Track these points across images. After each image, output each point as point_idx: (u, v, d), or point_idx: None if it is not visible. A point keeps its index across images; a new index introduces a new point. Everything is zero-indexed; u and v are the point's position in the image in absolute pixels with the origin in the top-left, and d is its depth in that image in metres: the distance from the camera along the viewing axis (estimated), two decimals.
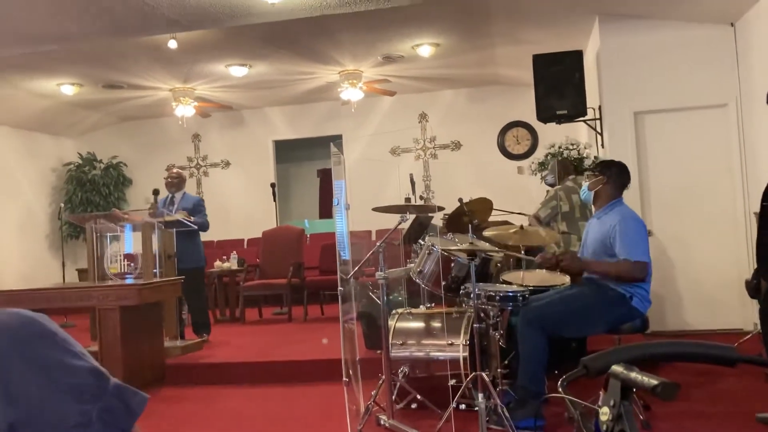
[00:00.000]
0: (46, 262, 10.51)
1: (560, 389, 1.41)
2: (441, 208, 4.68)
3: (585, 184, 4.12)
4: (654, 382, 1.15)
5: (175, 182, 6.78)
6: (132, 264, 6.36)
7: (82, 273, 10.26)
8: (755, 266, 4.54)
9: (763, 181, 3.85)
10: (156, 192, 6.80)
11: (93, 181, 10.85)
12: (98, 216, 6.34)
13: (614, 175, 4.01)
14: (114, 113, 10.56)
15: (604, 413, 1.23)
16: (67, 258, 10.11)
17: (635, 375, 1.20)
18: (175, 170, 7.09)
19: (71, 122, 10.57)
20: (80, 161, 10.96)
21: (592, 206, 4.33)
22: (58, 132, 10.91)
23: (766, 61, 5.37)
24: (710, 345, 1.40)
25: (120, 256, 6.43)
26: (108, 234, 6.33)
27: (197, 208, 6.67)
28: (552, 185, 6.08)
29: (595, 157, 6.48)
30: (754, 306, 5.68)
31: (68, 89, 8.58)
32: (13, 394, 0.73)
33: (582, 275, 4.08)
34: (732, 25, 6.03)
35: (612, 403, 1.22)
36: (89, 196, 10.75)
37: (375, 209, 4.25)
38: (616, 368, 1.24)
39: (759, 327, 3.91)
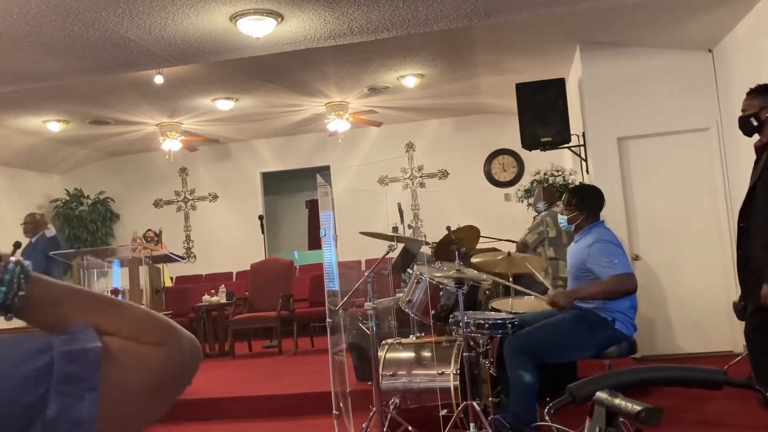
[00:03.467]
0: None
1: (547, 417, 1.40)
2: (427, 243, 4.70)
3: (562, 217, 4.13)
4: (637, 407, 1.15)
5: (30, 228, 7.08)
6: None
7: None
8: None
9: None
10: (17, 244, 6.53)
11: (80, 218, 10.80)
12: (85, 252, 6.31)
13: (591, 208, 4.03)
14: (101, 149, 10.56)
15: None
16: None
17: (619, 401, 1.20)
18: (28, 215, 7.44)
19: (58, 159, 10.55)
20: (67, 197, 10.92)
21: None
22: (45, 169, 10.89)
23: (744, 85, 5.43)
24: (696, 368, 1.40)
25: (107, 292, 6.38)
26: (95, 270, 6.29)
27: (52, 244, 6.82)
28: (542, 212, 6.11)
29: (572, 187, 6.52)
30: (742, 328, 5.69)
31: (54, 126, 8.58)
32: None
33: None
34: (710, 51, 6.14)
35: (597, 429, 1.22)
36: (77, 232, 10.69)
37: (362, 233, 4.26)
38: (601, 395, 1.24)
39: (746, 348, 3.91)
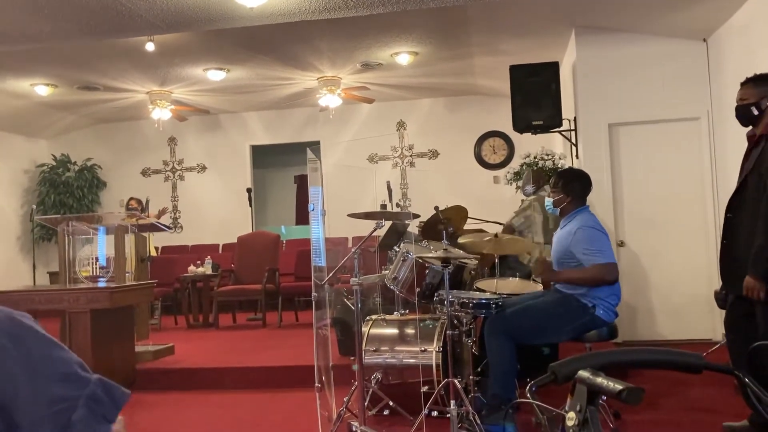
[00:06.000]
0: (16, 264, 10.34)
1: (528, 395, 1.42)
2: (416, 216, 4.70)
3: (549, 200, 4.13)
4: (619, 386, 1.17)
5: None
6: (104, 267, 6.29)
7: (53, 276, 10.12)
8: None
9: None
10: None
11: (67, 183, 10.71)
12: (71, 218, 6.26)
13: (576, 191, 4.03)
14: (89, 115, 10.45)
15: (571, 418, 1.24)
16: (39, 260, 9.98)
17: (601, 380, 1.22)
18: None
19: (45, 123, 10.43)
20: (54, 163, 10.82)
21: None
22: (32, 133, 10.77)
23: (737, 76, 5.46)
24: (677, 352, 1.42)
25: (92, 258, 6.35)
26: (80, 236, 6.25)
27: None
28: (529, 195, 6.12)
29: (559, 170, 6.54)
30: (722, 316, 5.76)
31: (42, 90, 8.47)
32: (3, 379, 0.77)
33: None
34: (704, 40, 6.14)
35: (578, 408, 1.23)
36: (62, 198, 10.61)
37: (350, 215, 4.26)
38: (583, 373, 1.25)
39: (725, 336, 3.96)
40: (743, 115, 3.54)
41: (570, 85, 6.76)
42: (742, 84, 3.58)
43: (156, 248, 9.92)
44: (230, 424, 4.47)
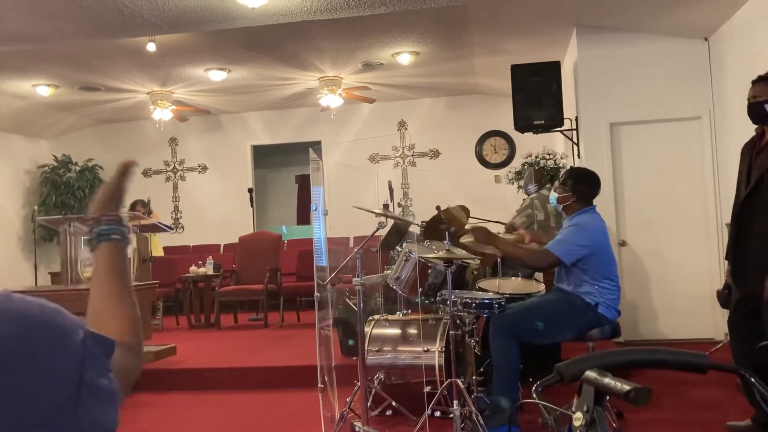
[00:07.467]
0: (18, 264, 10.34)
1: (534, 395, 1.42)
2: (423, 222, 4.70)
3: (554, 195, 4.13)
4: (627, 387, 1.17)
5: None
6: None
7: (54, 276, 10.12)
8: (726, 277, 4.61)
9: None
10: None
11: (68, 184, 10.70)
12: (72, 218, 6.26)
13: (584, 193, 4.03)
14: (90, 115, 10.45)
15: (578, 419, 1.24)
16: (40, 261, 9.98)
17: (608, 380, 1.22)
18: None
19: (46, 124, 10.43)
20: (55, 163, 10.82)
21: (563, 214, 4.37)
22: (33, 133, 10.76)
23: (739, 75, 5.47)
24: (683, 352, 1.42)
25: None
26: (82, 237, 6.25)
27: None
28: (531, 194, 6.12)
29: (571, 167, 6.55)
30: (724, 316, 5.76)
31: (44, 90, 8.47)
32: None
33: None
34: (706, 39, 6.14)
35: (585, 408, 1.23)
36: (64, 198, 10.60)
37: (355, 207, 4.26)
38: (590, 374, 1.25)
39: (728, 336, 3.96)
40: (756, 112, 3.50)
41: (571, 85, 6.76)
42: (754, 82, 3.53)
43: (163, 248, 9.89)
44: (232, 424, 4.46)
